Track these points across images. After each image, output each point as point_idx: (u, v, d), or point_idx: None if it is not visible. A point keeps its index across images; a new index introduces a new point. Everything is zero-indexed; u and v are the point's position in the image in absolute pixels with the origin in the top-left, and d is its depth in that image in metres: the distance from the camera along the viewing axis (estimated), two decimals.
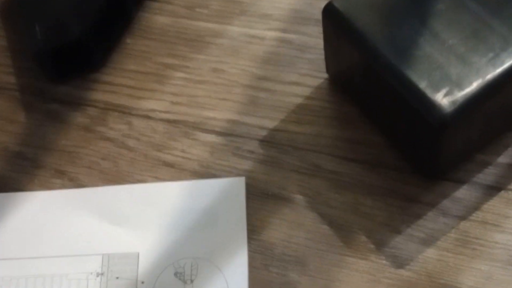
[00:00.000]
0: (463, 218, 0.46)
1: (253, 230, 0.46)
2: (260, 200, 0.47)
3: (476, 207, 0.46)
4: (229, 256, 0.45)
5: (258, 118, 0.50)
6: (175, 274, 0.45)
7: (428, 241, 0.45)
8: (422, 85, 0.42)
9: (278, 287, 0.44)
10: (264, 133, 0.49)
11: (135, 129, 0.50)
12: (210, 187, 0.47)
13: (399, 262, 0.45)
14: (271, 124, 0.49)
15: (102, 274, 0.45)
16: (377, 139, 0.48)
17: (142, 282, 0.45)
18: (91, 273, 0.45)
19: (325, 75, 0.50)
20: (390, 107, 0.45)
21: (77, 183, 0.48)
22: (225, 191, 0.47)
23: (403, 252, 0.45)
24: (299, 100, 0.50)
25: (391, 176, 0.47)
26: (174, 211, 0.47)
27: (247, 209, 0.47)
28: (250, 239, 0.46)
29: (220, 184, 0.47)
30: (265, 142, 0.49)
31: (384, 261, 0.45)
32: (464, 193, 0.46)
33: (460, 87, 0.42)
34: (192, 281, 0.44)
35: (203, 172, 0.48)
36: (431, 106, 0.42)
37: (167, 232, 0.46)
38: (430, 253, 0.45)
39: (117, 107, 0.51)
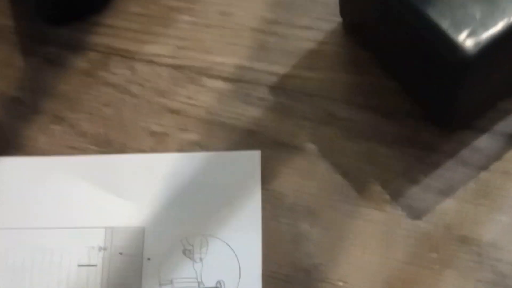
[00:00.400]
0: (483, 168, 0.43)
1: (263, 180, 0.44)
2: (270, 149, 0.45)
3: (497, 157, 0.44)
4: (242, 236, 0.42)
5: (268, 63, 0.47)
6: (184, 251, 0.42)
7: (447, 192, 0.43)
8: (444, 24, 0.39)
9: (288, 238, 0.42)
10: (274, 79, 0.47)
11: (139, 75, 0.48)
12: (223, 161, 0.44)
13: (415, 213, 0.42)
14: (282, 69, 0.47)
15: (104, 248, 0.43)
16: (394, 85, 0.46)
17: (148, 259, 0.42)
18: (93, 247, 0.43)
19: (339, 19, 0.48)
20: (409, 51, 0.43)
21: (77, 130, 0.46)
22: (239, 166, 0.44)
23: (420, 203, 0.43)
24: (311, 45, 0.48)
25: (408, 124, 0.45)
26: (183, 185, 0.44)
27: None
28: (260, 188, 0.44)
29: (234, 157, 0.44)
30: (276, 88, 0.47)
31: (399, 212, 0.43)
32: (485, 142, 0.44)
33: (485, 27, 0.39)
34: (201, 259, 0.42)
35: (210, 120, 0.46)
36: (454, 46, 0.39)
37: (175, 207, 0.43)
38: (449, 204, 0.43)
39: (119, 52, 0.48)
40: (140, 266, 0.42)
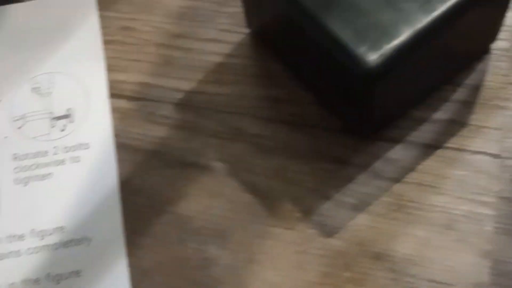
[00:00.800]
0: (397, 180, 0.42)
1: (169, 202, 0.42)
2: (177, 170, 0.43)
3: (411, 168, 0.42)
4: (85, 64, 0.45)
5: (174, 79, 0.45)
6: (32, 89, 0.44)
7: (360, 207, 0.41)
8: (346, 36, 0.38)
9: (196, 263, 0.40)
10: (180, 95, 0.45)
11: None
12: (56, 4, 0.47)
13: (328, 231, 0.41)
14: (188, 85, 0.45)
15: None
16: (304, 97, 0.44)
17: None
18: None
19: (247, 30, 0.46)
20: (315, 62, 0.41)
21: None
22: (74, 5, 0.47)
23: (332, 219, 0.41)
24: (218, 59, 0.46)
25: (319, 136, 0.43)
26: (22, 31, 0.46)
27: (162, 179, 0.42)
28: (165, 212, 0.42)
29: None
30: (182, 105, 0.44)
31: (312, 230, 0.41)
32: (398, 153, 0.42)
33: (389, 37, 0.38)
34: (49, 93, 0.44)
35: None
36: (356, 59, 0.37)
37: (19, 51, 0.45)
38: (362, 219, 0.41)
39: None
40: None
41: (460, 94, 0.44)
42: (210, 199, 0.42)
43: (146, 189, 0.42)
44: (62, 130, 0.44)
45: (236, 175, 0.42)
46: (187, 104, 0.44)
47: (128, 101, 0.45)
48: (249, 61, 0.45)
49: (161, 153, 0.43)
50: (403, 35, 0.38)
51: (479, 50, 0.45)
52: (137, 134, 0.44)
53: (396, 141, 0.43)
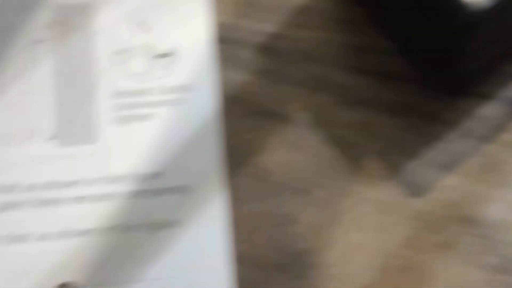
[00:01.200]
0: (488, 139, 0.40)
1: (246, 153, 0.40)
2: (255, 118, 0.41)
3: (503, 127, 0.40)
4: (189, 3, 0.42)
5: (255, 21, 0.43)
6: (134, 23, 0.41)
7: (448, 166, 0.39)
8: None
9: (275, 220, 0.39)
10: (261, 39, 0.42)
11: None
12: None
13: (414, 191, 0.39)
14: (269, 28, 0.43)
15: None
16: (392, 46, 0.41)
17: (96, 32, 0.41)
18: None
19: None
20: (408, 6, 0.38)
21: None
22: None
23: (418, 178, 0.39)
24: (302, 0, 0.43)
25: (407, 90, 0.41)
26: None
27: (238, 127, 0.41)
28: (242, 164, 0.40)
29: None
30: (263, 49, 0.42)
31: (397, 189, 0.39)
32: (491, 110, 0.40)
33: None
34: (152, 29, 0.41)
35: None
36: (457, 2, 0.35)
37: None
38: (450, 180, 0.39)
39: None
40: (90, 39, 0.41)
41: None
42: (291, 152, 0.40)
43: (225, 138, 0.41)
44: (164, 69, 0.41)
45: (318, 128, 0.41)
46: (268, 48, 0.42)
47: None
48: (334, 5, 0.43)
49: (241, 100, 0.41)
50: None
51: None
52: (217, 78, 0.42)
53: (488, 97, 0.40)
